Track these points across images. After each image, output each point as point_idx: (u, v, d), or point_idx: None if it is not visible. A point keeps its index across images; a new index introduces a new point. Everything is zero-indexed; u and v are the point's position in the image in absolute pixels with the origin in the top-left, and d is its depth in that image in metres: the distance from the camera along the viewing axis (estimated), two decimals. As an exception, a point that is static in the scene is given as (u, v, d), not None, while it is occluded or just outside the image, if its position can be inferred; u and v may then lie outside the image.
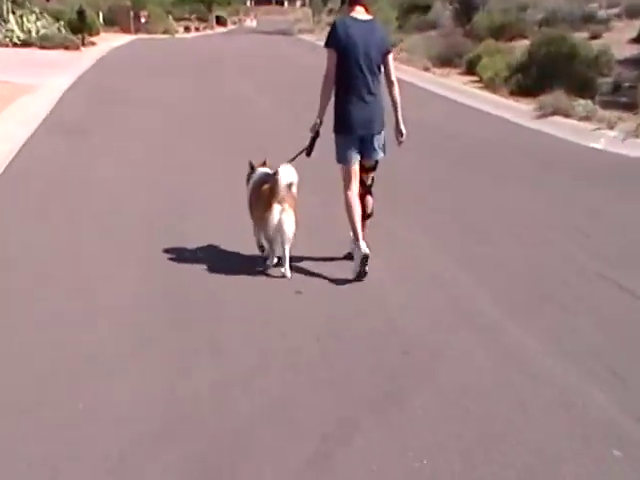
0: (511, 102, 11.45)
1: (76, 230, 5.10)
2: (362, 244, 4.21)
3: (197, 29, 39.26)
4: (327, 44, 4.26)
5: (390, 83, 4.37)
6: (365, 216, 4.39)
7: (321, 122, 4.26)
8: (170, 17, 37.38)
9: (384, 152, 4.39)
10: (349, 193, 4.32)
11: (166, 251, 4.57)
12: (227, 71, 15.92)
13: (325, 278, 4.22)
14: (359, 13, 4.28)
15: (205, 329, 3.51)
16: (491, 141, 8.55)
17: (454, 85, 13.73)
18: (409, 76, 14.97)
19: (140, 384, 3.00)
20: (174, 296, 3.94)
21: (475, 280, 4.21)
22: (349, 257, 4.39)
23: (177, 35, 34.40)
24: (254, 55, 20.78)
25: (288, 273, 4.18)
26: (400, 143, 4.46)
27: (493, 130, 9.38)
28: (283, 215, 4.10)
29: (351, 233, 4.31)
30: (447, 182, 6.56)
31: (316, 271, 4.31)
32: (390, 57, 4.33)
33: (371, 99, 4.26)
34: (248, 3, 60.72)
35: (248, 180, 4.52)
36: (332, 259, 4.48)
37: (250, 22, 50.37)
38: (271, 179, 4.15)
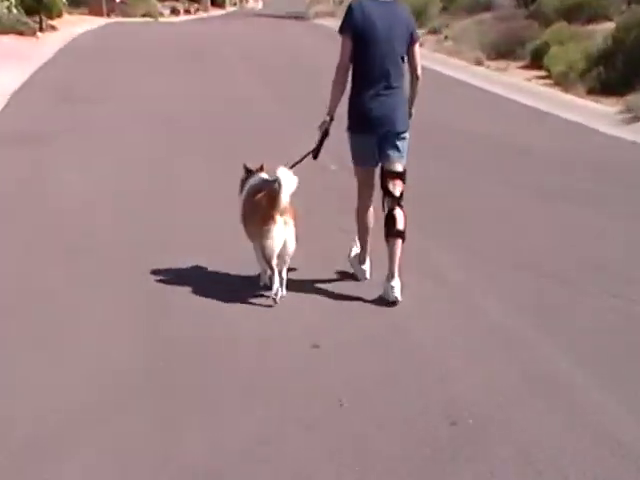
0: (589, 103, 11.52)
1: (36, 264, 5.20)
2: (367, 267, 4.74)
3: (187, 12, 40.14)
4: (341, 29, 4.52)
5: (415, 78, 4.66)
6: (394, 233, 4.57)
7: (332, 119, 4.52)
8: (153, -4, 38.21)
9: (405, 157, 4.64)
10: (360, 206, 4.71)
11: (148, 290, 4.73)
12: (224, 66, 16.26)
13: (346, 314, 4.39)
14: None
15: (195, 391, 3.58)
16: (564, 155, 8.57)
17: (514, 82, 13.84)
18: (457, 71, 15.20)
19: (118, 453, 3.06)
20: (157, 348, 4.01)
21: (546, 334, 4.22)
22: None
23: (162, 19, 35.22)
24: (258, 44, 21.15)
25: (284, 292, 4.51)
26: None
27: (565, 141, 9.40)
28: (287, 228, 4.38)
29: (354, 249, 4.79)
30: (514, 213, 6.49)
31: (334, 307, 4.48)
32: (417, 47, 4.59)
33: (392, 93, 4.52)
34: (252, -21, 61.86)
35: (242, 187, 4.80)
36: (357, 298, 4.62)
37: (254, 3, 51.48)
38: (269, 186, 4.43)
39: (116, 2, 34.18)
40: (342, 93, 4.53)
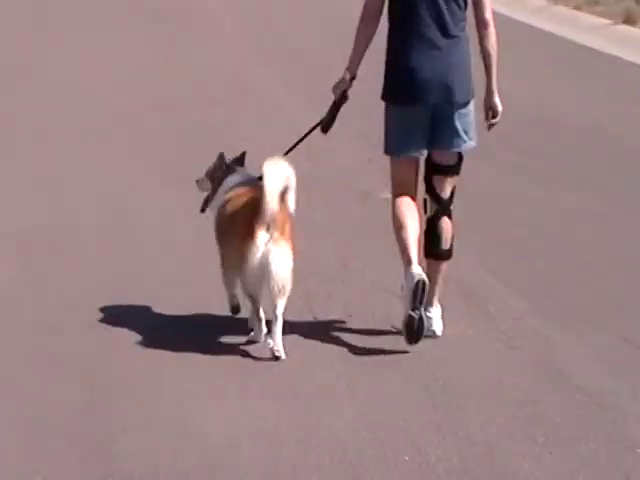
0: None
1: None
2: (415, 267, 4.76)
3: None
4: None
5: (482, 23, 4.83)
6: (437, 253, 4.99)
7: (352, 78, 4.84)
8: None
9: (471, 139, 4.92)
10: (397, 202, 4.94)
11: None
12: (214, 31, 15.95)
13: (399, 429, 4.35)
14: None
15: None
16: None
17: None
18: (596, 36, 14.87)
19: None
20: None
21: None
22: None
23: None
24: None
25: (282, 352, 4.76)
26: (490, 125, 5.05)
27: None
28: (272, 248, 4.62)
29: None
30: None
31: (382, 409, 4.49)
32: None
33: (447, 45, 4.77)
34: None
35: (214, 190, 5.16)
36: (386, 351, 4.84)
37: None
38: (252, 186, 4.79)
39: None
40: (368, 41, 4.81)
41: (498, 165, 8.06)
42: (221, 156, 5.20)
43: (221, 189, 5.09)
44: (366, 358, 4.93)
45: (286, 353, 4.77)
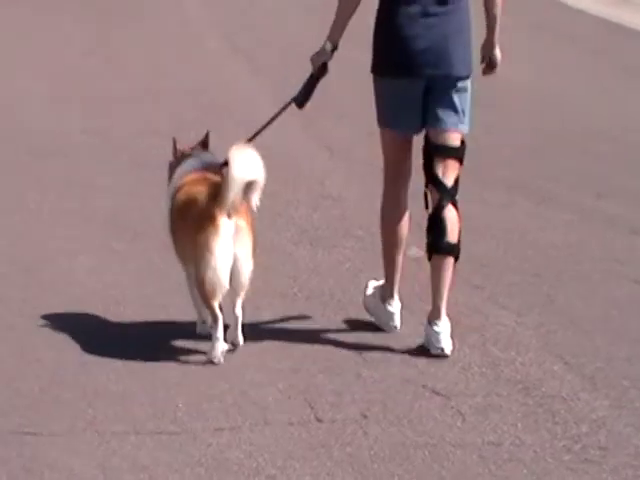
0: None
1: None
2: (395, 308, 5.03)
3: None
4: None
5: None
6: (442, 246, 4.83)
7: (334, 48, 4.81)
8: None
9: (465, 123, 4.92)
10: (385, 202, 5.05)
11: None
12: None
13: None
14: None
15: None
16: None
17: None
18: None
19: None
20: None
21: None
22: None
23: None
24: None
25: (241, 339, 4.86)
26: (487, 70, 5.10)
27: None
28: (237, 238, 4.60)
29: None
30: None
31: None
32: None
33: (445, 13, 4.73)
34: None
35: (170, 176, 5.11)
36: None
37: None
38: (211, 171, 4.83)
39: None
40: (354, 6, 4.77)
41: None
42: (173, 141, 5.17)
43: (175, 176, 5.02)
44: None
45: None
